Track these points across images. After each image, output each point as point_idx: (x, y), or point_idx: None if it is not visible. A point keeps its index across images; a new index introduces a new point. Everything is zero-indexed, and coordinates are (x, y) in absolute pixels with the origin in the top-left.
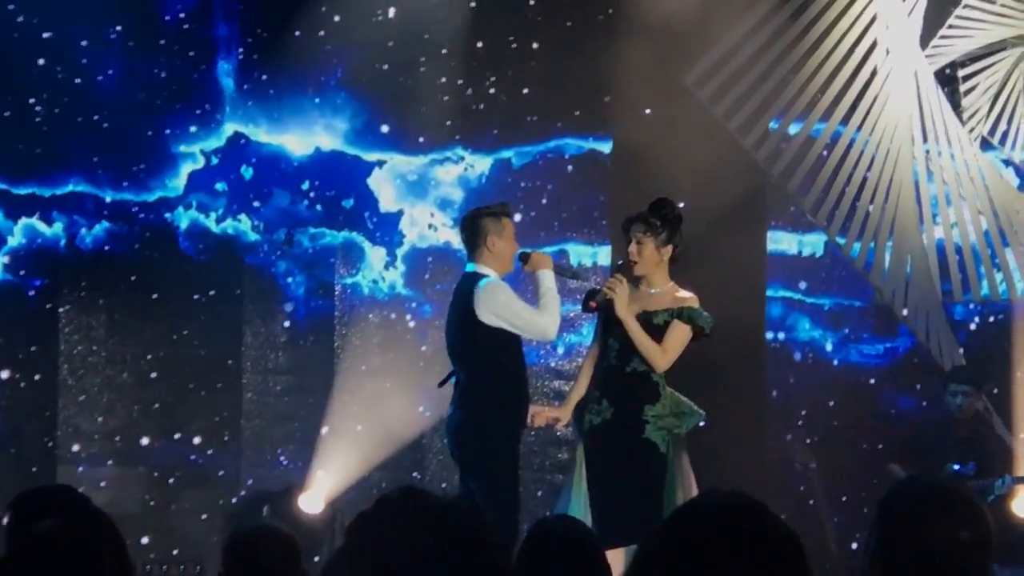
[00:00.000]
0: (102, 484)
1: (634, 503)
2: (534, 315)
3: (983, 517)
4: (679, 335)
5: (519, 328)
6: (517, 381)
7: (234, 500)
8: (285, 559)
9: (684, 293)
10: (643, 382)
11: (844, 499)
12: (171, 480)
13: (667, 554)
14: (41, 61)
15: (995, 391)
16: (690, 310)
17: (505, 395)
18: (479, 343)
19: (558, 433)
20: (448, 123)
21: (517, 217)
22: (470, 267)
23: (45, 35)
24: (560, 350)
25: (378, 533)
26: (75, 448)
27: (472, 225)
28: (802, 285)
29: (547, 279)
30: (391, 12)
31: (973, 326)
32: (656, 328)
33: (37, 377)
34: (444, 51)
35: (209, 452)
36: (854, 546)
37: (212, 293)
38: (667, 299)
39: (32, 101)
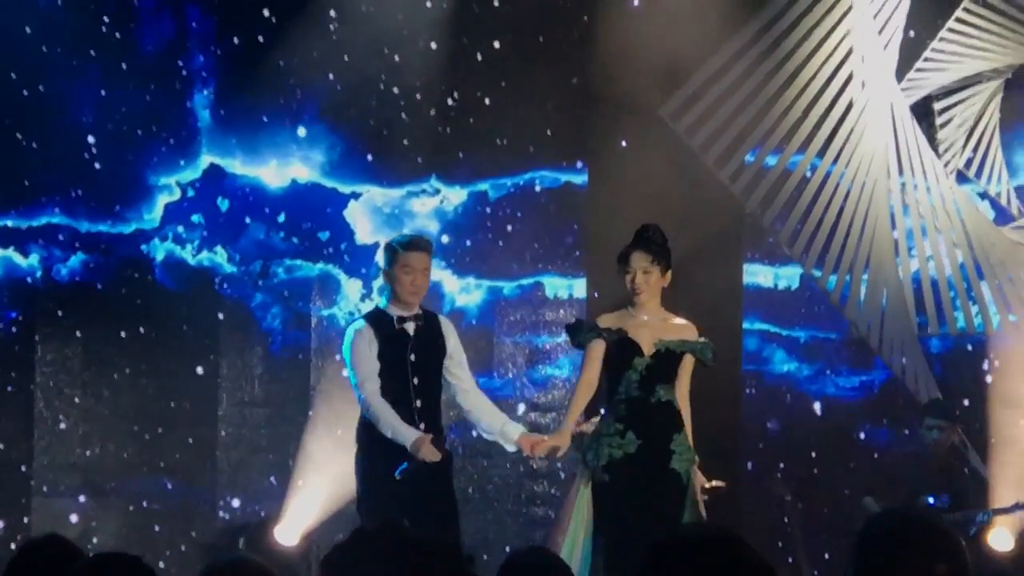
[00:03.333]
0: (77, 516)
1: (649, 537)
2: (359, 379)
3: (960, 550)
4: (691, 370)
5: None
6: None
7: (209, 532)
8: None
9: (683, 320)
10: (669, 411)
11: (826, 556)
12: (147, 512)
13: None
14: (16, 93)
15: (978, 427)
16: (703, 345)
17: (364, 437)
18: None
19: (533, 466)
20: (424, 156)
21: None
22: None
23: (20, 68)
24: (531, 388)
25: (354, 565)
26: (51, 480)
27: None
28: (777, 318)
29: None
30: (367, 45)
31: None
32: (675, 356)
33: (12, 408)
34: (420, 84)
35: (185, 484)
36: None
37: (188, 325)
38: (673, 327)
39: (8, 133)
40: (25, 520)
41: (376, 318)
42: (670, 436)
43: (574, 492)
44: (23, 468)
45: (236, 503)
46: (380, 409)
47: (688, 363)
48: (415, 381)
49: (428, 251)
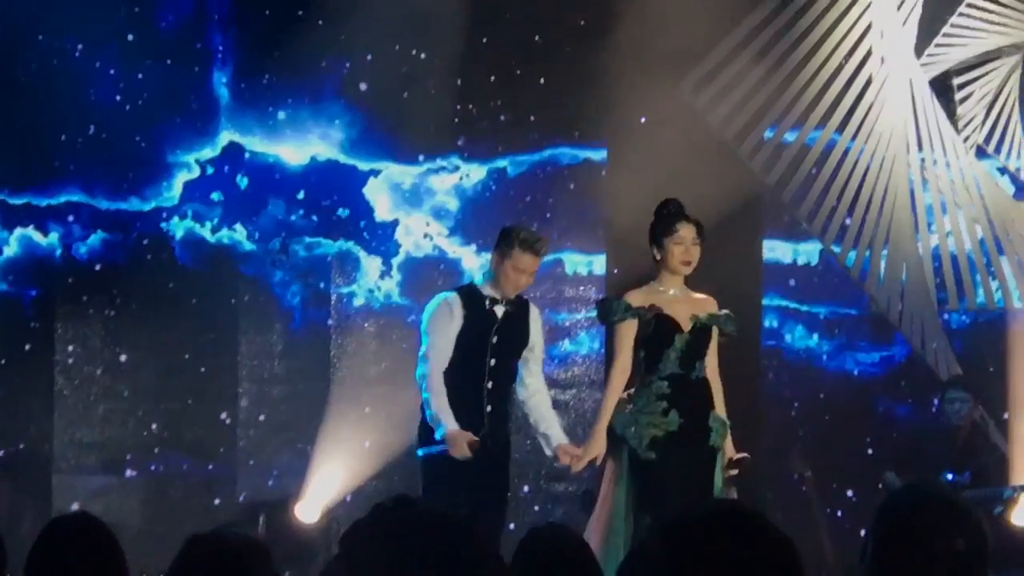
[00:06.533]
0: (97, 494)
1: None
2: (426, 351)
3: (979, 525)
4: (716, 344)
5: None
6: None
7: (229, 510)
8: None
9: (703, 295)
10: (706, 388)
11: (843, 519)
12: (167, 490)
13: (663, 560)
14: (35, 70)
15: (998, 403)
16: (726, 317)
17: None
18: None
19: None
20: (444, 133)
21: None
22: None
23: (39, 45)
24: (550, 364)
25: (373, 542)
26: (70, 458)
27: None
28: (797, 294)
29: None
30: (386, 21)
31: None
32: (708, 331)
33: (33, 387)
34: (440, 61)
35: (205, 462)
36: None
37: (207, 303)
38: (699, 302)
39: (27, 110)
40: (46, 498)
41: (468, 293)
42: (707, 413)
43: (614, 472)
44: (44, 446)
45: (256, 481)
46: (436, 387)
47: (715, 337)
48: (492, 362)
49: (542, 256)
